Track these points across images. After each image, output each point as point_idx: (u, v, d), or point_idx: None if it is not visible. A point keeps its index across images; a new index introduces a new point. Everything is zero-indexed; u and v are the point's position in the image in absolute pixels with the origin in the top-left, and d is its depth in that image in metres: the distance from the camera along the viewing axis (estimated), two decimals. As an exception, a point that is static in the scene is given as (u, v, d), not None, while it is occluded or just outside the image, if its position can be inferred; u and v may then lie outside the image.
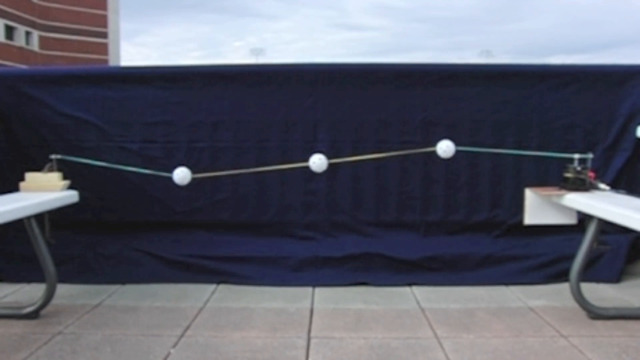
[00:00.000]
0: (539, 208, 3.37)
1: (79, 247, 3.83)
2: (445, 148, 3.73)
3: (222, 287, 3.62)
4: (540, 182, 3.62)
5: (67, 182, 3.47)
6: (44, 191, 3.32)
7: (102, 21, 47.40)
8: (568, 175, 3.31)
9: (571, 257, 3.11)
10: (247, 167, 3.95)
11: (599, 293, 3.44)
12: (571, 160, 3.38)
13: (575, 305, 3.09)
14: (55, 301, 3.14)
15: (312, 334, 2.86)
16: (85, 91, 3.97)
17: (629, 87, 3.89)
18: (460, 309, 3.22)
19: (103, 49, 47.03)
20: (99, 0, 46.79)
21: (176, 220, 4.01)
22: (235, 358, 2.57)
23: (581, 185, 3.25)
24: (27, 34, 41.56)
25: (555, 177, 3.52)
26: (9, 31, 39.21)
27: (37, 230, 3.02)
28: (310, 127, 3.96)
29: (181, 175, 3.76)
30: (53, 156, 3.61)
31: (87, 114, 3.96)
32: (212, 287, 3.62)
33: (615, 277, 3.69)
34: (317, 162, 3.78)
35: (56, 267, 3.10)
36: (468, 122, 3.93)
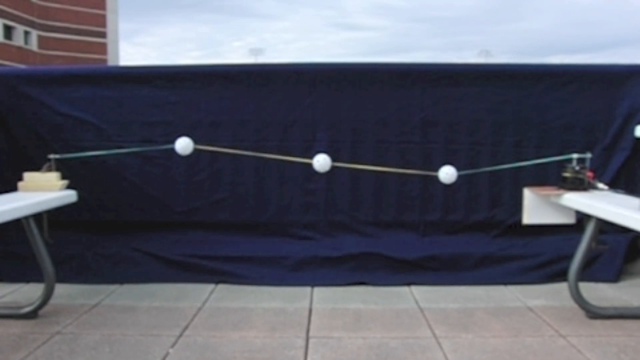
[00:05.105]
0: (538, 208, 3.37)
1: (77, 247, 3.83)
2: (447, 173, 3.76)
3: (221, 287, 3.61)
4: (538, 181, 3.62)
5: (65, 182, 3.46)
6: (43, 191, 3.31)
7: (101, 21, 47.37)
8: (567, 174, 3.31)
9: (570, 257, 3.11)
10: (246, 167, 3.96)
11: (598, 293, 3.44)
12: (570, 160, 3.38)
13: (574, 304, 3.09)
14: (53, 301, 3.14)
15: (311, 333, 2.86)
16: (84, 91, 3.96)
17: (628, 86, 3.89)
18: (459, 308, 3.22)
19: (102, 48, 47.00)
20: (97, -1, 46.81)
21: (175, 220, 4.01)
22: (234, 358, 2.57)
23: (580, 184, 3.25)
24: (26, 33, 41.51)
25: (554, 177, 3.52)
26: (8, 31, 39.17)
27: (35, 230, 3.01)
28: (309, 126, 3.96)
29: (183, 144, 3.77)
30: (51, 156, 3.61)
31: (86, 114, 3.95)
32: (210, 287, 3.61)
33: (614, 276, 3.69)
34: (321, 161, 3.79)
35: (54, 267, 3.10)
36: (467, 121, 3.93)
